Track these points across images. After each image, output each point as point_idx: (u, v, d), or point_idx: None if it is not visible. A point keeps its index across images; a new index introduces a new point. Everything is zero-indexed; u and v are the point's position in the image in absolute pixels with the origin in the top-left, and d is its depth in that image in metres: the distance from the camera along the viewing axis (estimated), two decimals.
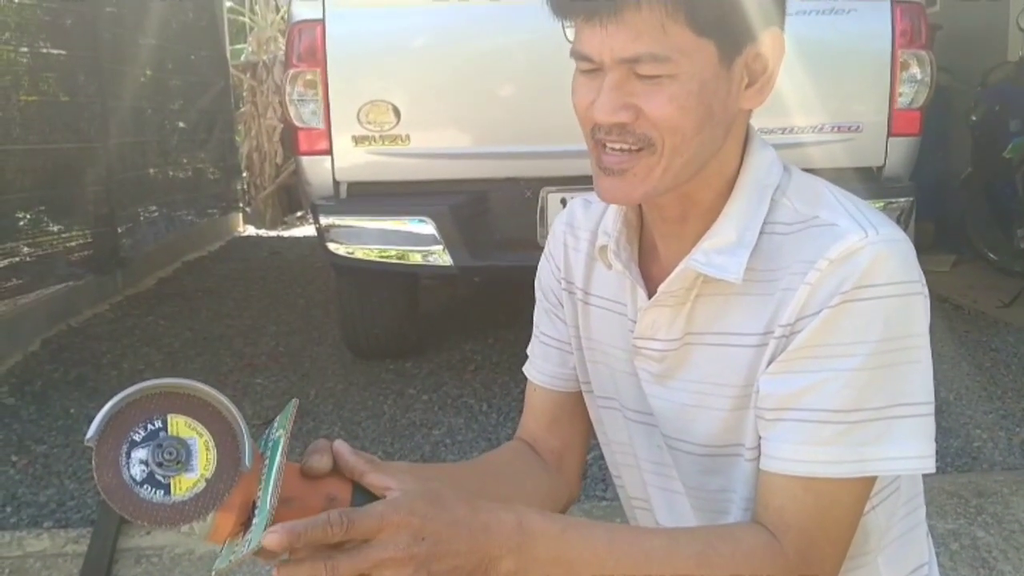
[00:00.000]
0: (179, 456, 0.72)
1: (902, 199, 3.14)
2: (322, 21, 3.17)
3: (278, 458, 0.74)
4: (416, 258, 3.23)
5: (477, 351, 4.15)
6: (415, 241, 3.20)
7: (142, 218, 6.12)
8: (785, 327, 0.88)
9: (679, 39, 0.84)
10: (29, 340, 4.40)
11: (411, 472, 0.82)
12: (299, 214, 8.57)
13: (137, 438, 0.73)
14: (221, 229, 7.75)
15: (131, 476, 0.72)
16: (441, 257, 3.18)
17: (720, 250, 0.91)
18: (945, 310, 4.61)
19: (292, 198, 8.59)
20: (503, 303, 4.69)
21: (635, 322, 1.00)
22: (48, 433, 3.37)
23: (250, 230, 8.33)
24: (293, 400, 0.80)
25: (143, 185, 6.19)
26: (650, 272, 1.00)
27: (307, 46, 3.16)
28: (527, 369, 1.18)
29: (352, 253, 3.25)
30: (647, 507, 1.09)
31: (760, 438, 0.91)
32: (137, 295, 5.53)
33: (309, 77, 3.16)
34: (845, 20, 3.16)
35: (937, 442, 2.80)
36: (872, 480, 0.89)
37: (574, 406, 1.15)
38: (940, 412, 2.98)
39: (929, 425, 0.88)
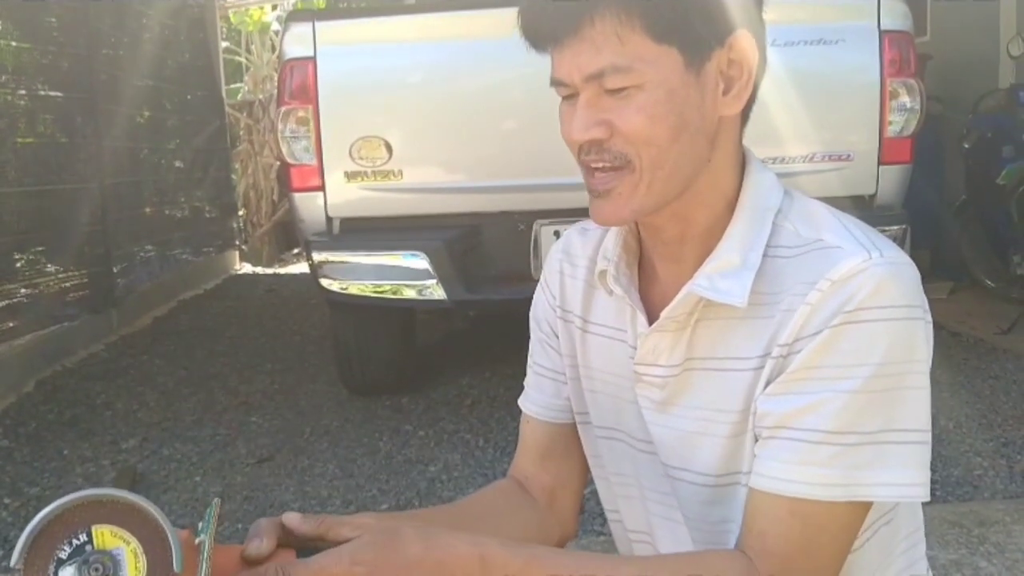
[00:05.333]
0: (106, 570, 0.71)
1: (895, 227, 3.14)
2: (313, 59, 3.19)
3: (205, 563, 0.73)
4: (410, 293, 3.23)
5: (474, 386, 4.13)
6: (409, 276, 3.19)
7: (138, 257, 6.12)
8: (783, 347, 0.86)
9: (638, 48, 0.84)
10: (23, 381, 4.38)
11: (376, 519, 0.81)
12: (296, 251, 8.58)
13: (63, 555, 0.71)
14: (217, 267, 7.75)
15: None
16: (435, 291, 3.18)
17: (724, 274, 0.90)
18: (943, 337, 4.59)
19: (289, 235, 8.60)
20: (500, 337, 4.67)
21: (635, 348, 0.98)
22: (41, 475, 3.34)
23: (246, 268, 8.33)
24: (215, 500, 0.78)
25: (139, 224, 6.19)
26: (650, 297, 0.99)
27: (299, 83, 3.18)
28: (521, 401, 1.16)
29: (346, 289, 3.24)
30: (648, 540, 1.06)
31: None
32: (132, 334, 5.52)
33: (301, 114, 3.18)
34: (834, 50, 3.18)
35: (938, 471, 2.77)
36: (862, 509, 0.86)
37: (568, 439, 1.13)
38: (940, 440, 2.95)
39: (924, 453, 0.86)
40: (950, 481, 2.97)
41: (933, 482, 3.05)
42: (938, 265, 5.77)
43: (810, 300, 0.85)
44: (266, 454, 3.46)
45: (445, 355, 4.74)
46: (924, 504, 2.68)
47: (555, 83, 0.91)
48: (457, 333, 5.16)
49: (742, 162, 0.96)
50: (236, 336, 5.44)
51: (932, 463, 2.81)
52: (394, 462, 3.36)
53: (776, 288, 0.89)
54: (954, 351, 4.38)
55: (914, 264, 0.89)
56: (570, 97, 0.90)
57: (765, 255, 0.91)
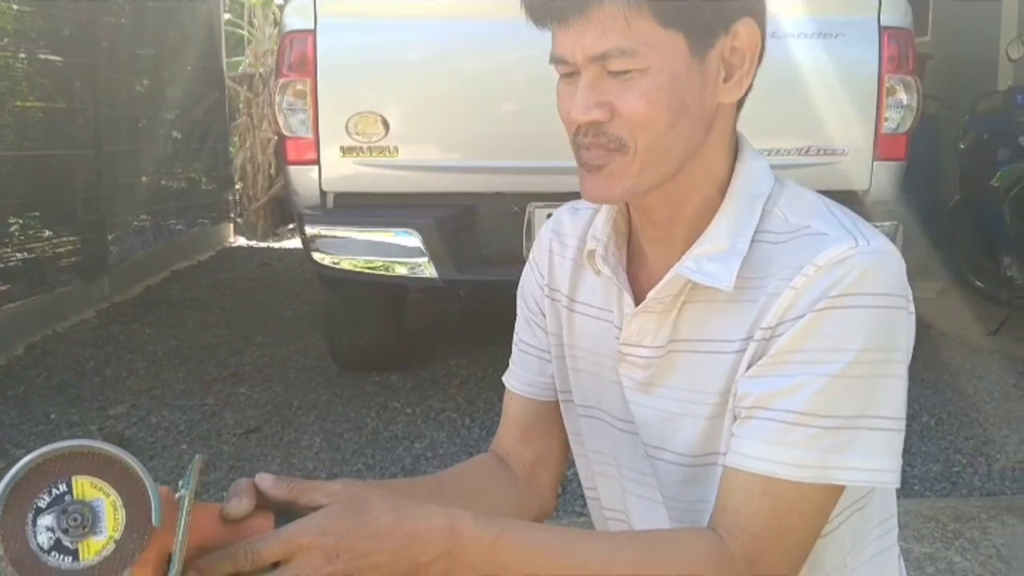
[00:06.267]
0: (84, 520, 0.71)
1: (887, 223, 3.15)
2: (313, 32, 3.18)
3: (184, 517, 0.73)
4: (401, 270, 3.23)
5: (463, 366, 4.15)
6: (401, 253, 3.20)
7: (132, 226, 6.12)
8: (766, 330, 0.87)
9: (645, 32, 0.85)
10: (13, 344, 4.38)
11: (347, 487, 0.81)
12: (291, 226, 8.55)
13: (42, 504, 0.71)
14: (212, 239, 7.74)
15: (38, 545, 0.71)
16: (426, 270, 3.19)
17: (712, 257, 0.91)
18: (931, 337, 4.61)
19: (284, 210, 8.57)
20: (491, 318, 4.68)
21: (621, 328, 0.99)
22: (28, 438, 3.36)
23: (241, 241, 8.31)
24: (197, 457, 0.78)
25: (134, 193, 6.18)
26: (637, 279, 1.00)
27: (298, 56, 3.18)
28: (506, 378, 1.17)
29: (337, 263, 3.25)
30: (624, 518, 1.07)
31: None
32: (124, 302, 5.51)
33: (299, 87, 3.17)
34: (833, 44, 3.18)
35: (917, 467, 2.80)
36: (834, 492, 0.87)
37: (550, 417, 1.14)
38: (921, 437, 2.97)
39: (898, 441, 0.88)
40: (929, 477, 2.99)
41: (912, 477, 3.10)
42: (929, 265, 5.78)
43: (795, 284, 0.86)
44: (253, 425, 3.47)
45: (435, 335, 4.76)
46: (901, 498, 2.70)
47: (555, 60, 0.90)
48: (448, 313, 5.18)
49: (735, 147, 0.96)
50: (228, 308, 5.44)
51: (912, 458, 2.85)
52: (380, 438, 3.38)
53: (762, 273, 0.90)
54: (941, 350, 4.40)
55: (900, 255, 0.90)
56: (569, 76, 0.90)
57: (753, 240, 0.91)
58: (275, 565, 0.75)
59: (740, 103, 0.96)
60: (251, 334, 4.79)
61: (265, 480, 0.80)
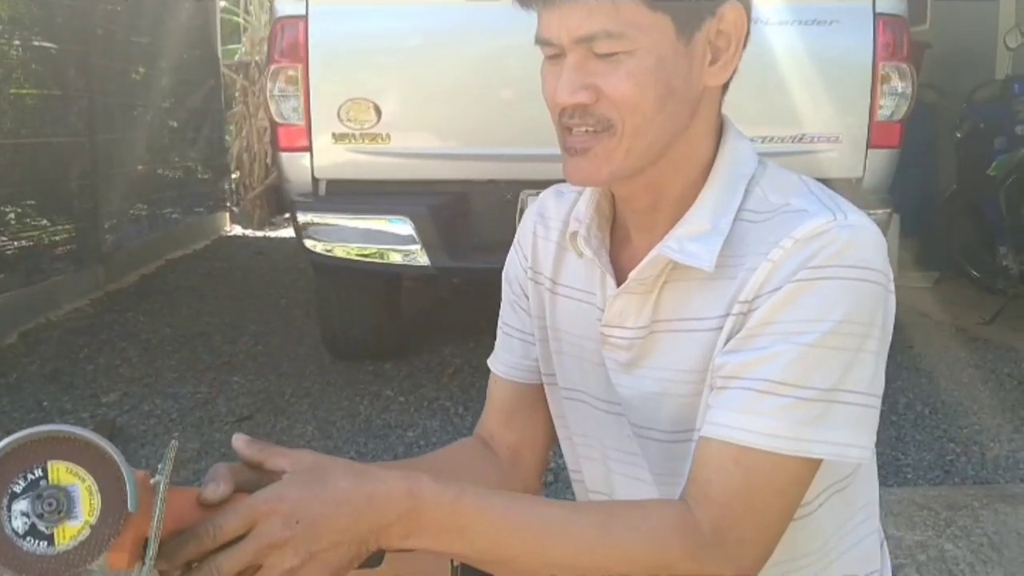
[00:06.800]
0: (59, 506, 0.71)
1: (880, 211, 3.14)
2: (305, 17, 3.17)
3: (159, 502, 0.73)
4: (394, 258, 3.22)
5: (456, 355, 4.14)
6: (393, 241, 3.19)
7: (127, 215, 6.10)
8: (743, 304, 0.87)
9: (632, 14, 0.84)
10: (6, 332, 4.37)
11: (314, 456, 0.81)
12: (287, 215, 8.53)
13: (17, 489, 0.71)
14: (207, 228, 7.72)
15: (13, 529, 0.71)
16: (419, 257, 3.17)
17: (693, 238, 0.90)
18: (926, 326, 4.61)
19: (280, 199, 8.53)
20: (485, 308, 4.65)
21: (603, 311, 0.99)
22: (20, 425, 3.30)
23: (236, 230, 8.30)
24: (172, 442, 0.78)
25: (129, 182, 6.16)
26: (620, 261, 0.99)
27: (289, 42, 3.16)
28: (490, 361, 1.17)
29: (330, 251, 3.24)
30: (608, 499, 1.07)
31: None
32: (118, 291, 5.50)
33: (291, 73, 3.15)
34: (828, 31, 3.17)
35: (910, 455, 2.79)
36: (808, 467, 0.86)
37: (534, 400, 1.14)
38: (915, 425, 2.96)
39: (871, 418, 0.87)
40: (922, 465, 2.99)
41: (905, 465, 3.09)
42: (926, 255, 5.78)
43: (772, 257, 0.86)
44: (246, 413, 3.46)
45: (429, 324, 4.75)
46: (894, 486, 2.71)
47: (541, 42, 0.90)
48: (442, 302, 5.17)
49: (719, 130, 0.96)
50: (222, 297, 5.43)
51: (905, 447, 2.84)
52: (373, 426, 3.37)
53: (742, 251, 0.89)
54: (936, 340, 4.40)
55: (880, 232, 0.89)
56: (555, 57, 0.90)
57: (734, 219, 0.91)
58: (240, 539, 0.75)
59: (725, 86, 0.95)
60: (245, 323, 4.79)
61: (240, 440, 0.81)
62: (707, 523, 0.83)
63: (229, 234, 8.13)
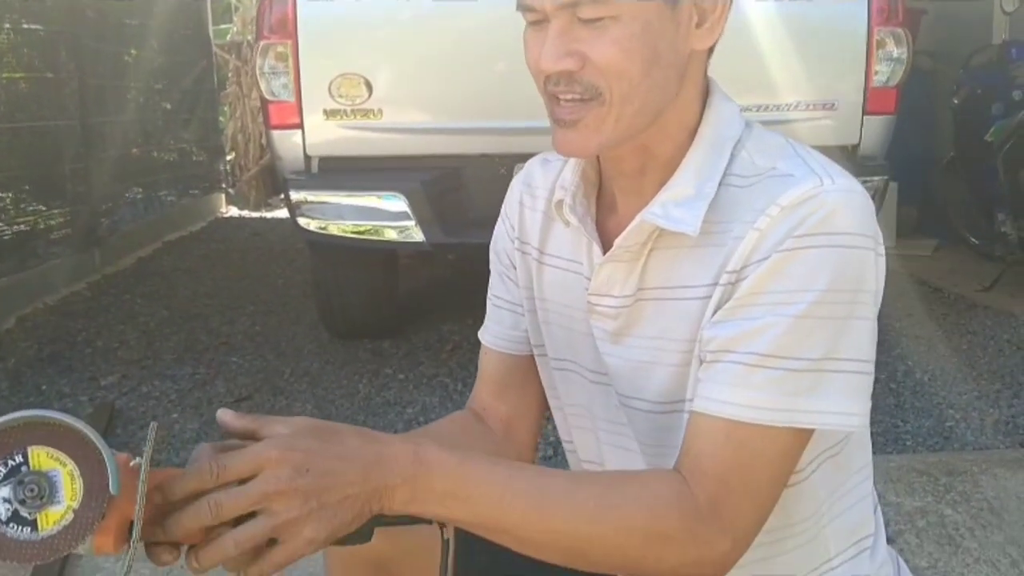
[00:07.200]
0: (41, 491, 0.71)
1: (877, 178, 3.12)
2: None
3: (142, 484, 0.73)
4: (388, 234, 3.20)
5: (455, 331, 4.13)
6: (387, 217, 3.17)
7: (122, 197, 6.08)
8: (731, 273, 0.86)
9: None
10: (4, 317, 4.37)
11: (313, 419, 0.81)
12: (283, 196, 8.51)
13: None
14: (203, 210, 7.70)
15: None
16: (414, 233, 3.16)
17: (678, 203, 0.90)
18: (924, 294, 4.60)
19: (276, 179, 8.52)
20: (482, 283, 4.64)
21: (590, 279, 0.98)
22: (18, 410, 3.34)
23: (233, 211, 8.27)
24: (152, 424, 0.78)
25: (124, 164, 6.14)
26: (607, 229, 0.99)
27: (278, 17, 3.12)
28: (481, 333, 1.17)
29: (323, 229, 3.22)
30: (600, 469, 1.07)
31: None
32: (115, 274, 5.49)
33: (280, 49, 3.12)
34: None
35: (910, 422, 2.78)
36: (801, 436, 0.86)
37: (525, 371, 1.13)
38: (914, 392, 2.95)
39: (865, 384, 0.86)
40: (921, 432, 2.99)
41: (904, 432, 3.09)
42: (924, 223, 5.76)
43: (759, 226, 0.85)
44: (245, 393, 3.46)
45: (427, 301, 4.74)
46: (893, 453, 2.71)
47: (523, 7, 0.89)
48: (440, 279, 5.16)
49: (706, 93, 0.95)
50: (220, 278, 5.42)
51: (904, 414, 2.84)
52: (372, 404, 3.37)
53: (728, 217, 0.88)
54: (935, 307, 4.39)
55: (868, 196, 0.88)
56: (537, 23, 0.88)
57: (720, 184, 0.90)
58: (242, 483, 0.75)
59: (711, 48, 0.94)
60: (243, 303, 4.78)
61: (226, 415, 0.81)
62: (702, 497, 0.83)
63: (225, 216, 8.11)
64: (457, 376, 3.60)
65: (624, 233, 0.92)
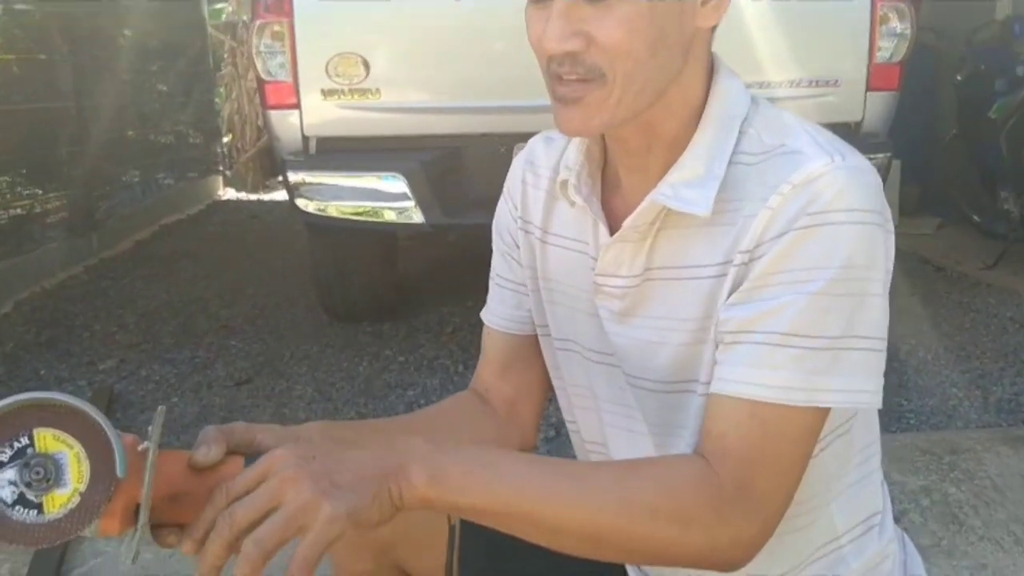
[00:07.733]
0: (47, 474, 0.70)
1: (880, 155, 3.10)
2: None
3: (150, 466, 0.72)
4: (387, 215, 3.17)
5: (455, 313, 4.12)
6: (386, 198, 3.14)
7: (119, 181, 6.06)
8: (745, 253, 0.85)
9: None
10: (1, 302, 4.35)
11: (320, 424, 0.82)
12: (280, 178, 8.49)
13: (4, 458, 0.70)
14: (201, 192, 7.68)
15: (1, 499, 0.70)
16: (413, 214, 3.13)
17: (688, 183, 0.88)
18: (927, 272, 4.59)
19: (274, 161, 8.48)
20: (482, 264, 4.63)
21: (596, 259, 0.97)
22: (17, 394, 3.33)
23: (230, 193, 8.25)
24: (160, 407, 0.77)
25: (120, 148, 6.12)
26: (612, 207, 0.98)
27: None
28: (484, 313, 1.16)
29: (322, 210, 3.19)
30: (603, 450, 1.06)
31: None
32: (113, 258, 5.48)
33: (276, 28, 3.08)
34: None
35: (913, 400, 2.77)
36: (821, 415, 0.85)
37: (529, 351, 1.13)
38: (917, 371, 2.93)
39: (880, 361, 0.86)
40: (924, 410, 2.98)
41: (908, 411, 3.08)
42: (927, 201, 5.74)
43: (771, 204, 0.84)
44: (244, 377, 3.45)
45: (427, 282, 4.73)
46: (897, 431, 2.70)
47: None
48: (440, 261, 5.14)
49: (711, 69, 0.93)
50: (218, 261, 5.41)
51: (908, 392, 2.82)
52: (373, 386, 3.36)
53: (738, 195, 0.87)
54: (938, 285, 4.38)
55: (877, 173, 0.88)
56: (540, 1, 0.86)
57: (729, 162, 0.89)
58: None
59: (714, 25, 0.92)
60: (242, 286, 4.76)
61: (238, 426, 0.82)
62: (728, 478, 0.82)
63: (223, 198, 8.09)
64: (458, 358, 3.59)
65: (634, 214, 0.91)
